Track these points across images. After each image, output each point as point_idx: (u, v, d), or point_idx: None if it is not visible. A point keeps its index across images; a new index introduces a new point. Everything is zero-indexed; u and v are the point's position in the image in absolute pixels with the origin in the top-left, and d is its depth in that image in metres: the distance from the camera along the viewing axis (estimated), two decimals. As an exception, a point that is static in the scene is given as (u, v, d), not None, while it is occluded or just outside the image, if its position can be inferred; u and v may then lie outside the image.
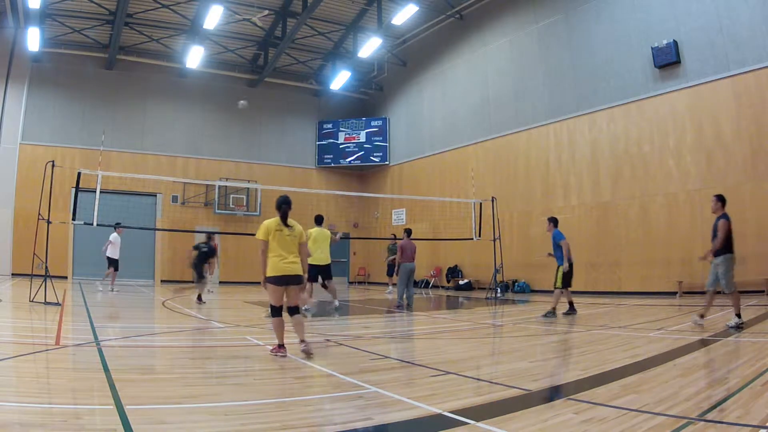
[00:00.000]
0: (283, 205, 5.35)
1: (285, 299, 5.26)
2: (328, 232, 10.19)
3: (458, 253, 18.45)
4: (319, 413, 3.40)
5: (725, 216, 7.35)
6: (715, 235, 7.28)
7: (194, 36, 19.21)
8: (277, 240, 5.18)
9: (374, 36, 19.47)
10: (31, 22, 16.64)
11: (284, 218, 5.30)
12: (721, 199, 7.61)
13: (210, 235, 12.24)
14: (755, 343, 5.69)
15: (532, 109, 16.72)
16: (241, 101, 17.81)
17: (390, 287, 16.47)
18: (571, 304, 9.28)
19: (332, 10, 19.58)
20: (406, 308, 10.78)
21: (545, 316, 8.86)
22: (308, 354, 5.08)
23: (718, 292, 7.27)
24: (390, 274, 16.86)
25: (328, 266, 9.96)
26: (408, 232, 11.94)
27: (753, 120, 11.64)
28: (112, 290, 13.54)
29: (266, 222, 5.30)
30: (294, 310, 5.31)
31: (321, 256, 9.77)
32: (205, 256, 11.69)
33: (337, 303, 10.18)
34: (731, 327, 6.71)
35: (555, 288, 9.20)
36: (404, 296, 10.99)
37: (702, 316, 7.09)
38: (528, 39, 17.06)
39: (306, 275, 5.46)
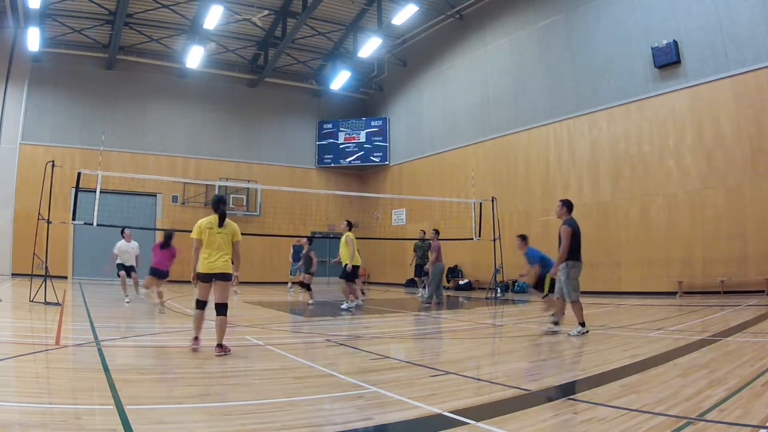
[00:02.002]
0: (220, 205, 5.53)
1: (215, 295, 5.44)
2: (344, 237, 10.79)
3: (458, 253, 18.44)
4: (319, 413, 3.40)
5: (568, 222, 6.86)
6: (560, 242, 6.82)
7: (194, 36, 19.21)
8: (207, 238, 5.37)
9: (374, 36, 19.47)
10: (31, 22, 16.64)
11: (222, 218, 5.46)
12: (566, 204, 7.07)
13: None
14: (755, 343, 5.69)
15: (532, 109, 16.72)
16: None
17: (422, 290, 14.70)
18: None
19: (332, 10, 19.58)
20: (436, 306, 11.44)
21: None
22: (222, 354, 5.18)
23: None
24: (420, 274, 15.14)
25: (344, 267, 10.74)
26: (437, 232, 12.66)
27: (753, 120, 11.64)
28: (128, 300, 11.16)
29: (199, 221, 5.49)
30: (221, 309, 5.38)
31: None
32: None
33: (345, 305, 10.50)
34: (571, 335, 6.51)
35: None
36: (435, 294, 11.87)
37: (556, 324, 6.80)
38: (528, 39, 17.06)
39: (238, 273, 5.68)
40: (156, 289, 9.24)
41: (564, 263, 6.71)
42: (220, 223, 5.43)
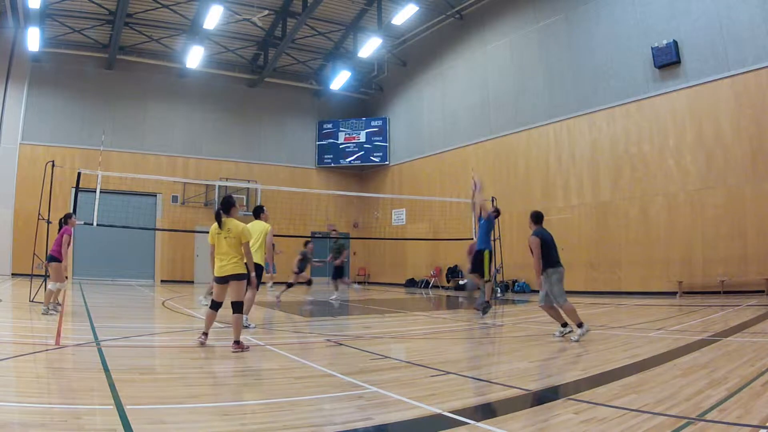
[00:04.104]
0: (218, 206, 5.71)
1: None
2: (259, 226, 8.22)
3: (458, 253, 18.42)
4: (319, 413, 3.40)
5: (535, 232, 6.80)
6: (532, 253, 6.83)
7: (194, 36, 19.21)
8: (216, 243, 5.62)
9: (374, 36, 19.47)
10: (31, 22, 16.64)
11: (218, 220, 5.60)
12: (531, 217, 7.05)
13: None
14: (755, 343, 5.69)
15: (532, 109, 16.73)
16: None
17: (336, 293, 13.00)
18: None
19: (332, 10, 19.58)
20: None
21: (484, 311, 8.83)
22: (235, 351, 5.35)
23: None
24: (338, 276, 13.37)
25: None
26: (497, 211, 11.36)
27: (753, 120, 11.64)
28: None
29: (212, 226, 5.70)
30: (236, 307, 5.55)
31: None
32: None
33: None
34: (573, 340, 6.28)
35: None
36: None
37: (565, 325, 6.65)
38: (528, 39, 17.06)
39: (253, 273, 5.73)
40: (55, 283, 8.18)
41: (544, 272, 6.62)
42: (219, 225, 5.59)
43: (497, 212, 10.16)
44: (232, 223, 5.61)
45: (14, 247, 17.34)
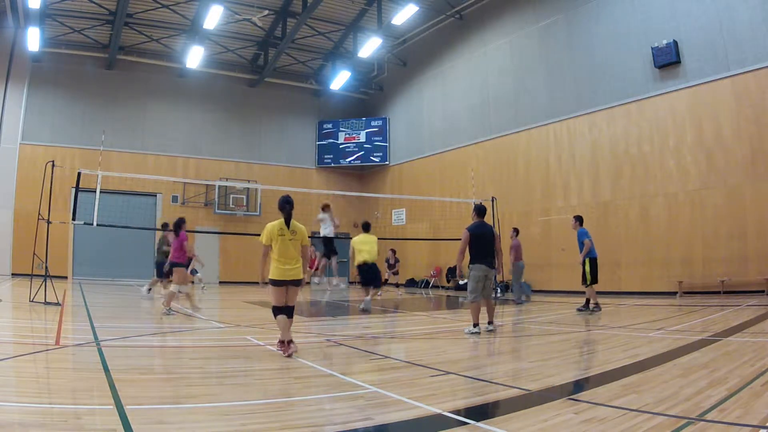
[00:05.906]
0: (286, 206, 5.36)
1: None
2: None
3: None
4: (319, 413, 3.40)
5: (468, 227, 7.25)
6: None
7: (194, 36, 19.21)
8: (279, 245, 5.25)
9: (374, 36, 19.47)
10: (31, 22, 16.63)
11: (288, 220, 5.32)
12: (474, 209, 7.55)
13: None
14: (755, 343, 5.69)
15: (532, 109, 16.72)
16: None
17: (147, 291, 12.36)
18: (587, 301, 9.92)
19: (332, 10, 19.58)
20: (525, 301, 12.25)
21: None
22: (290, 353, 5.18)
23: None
24: (162, 275, 11.42)
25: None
26: (516, 231, 13.04)
27: (753, 120, 11.64)
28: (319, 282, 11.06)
29: (269, 226, 5.34)
30: (290, 312, 5.39)
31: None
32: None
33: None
34: (465, 332, 6.94)
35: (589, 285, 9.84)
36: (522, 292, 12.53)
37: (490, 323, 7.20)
38: (528, 39, 17.06)
39: (305, 277, 5.63)
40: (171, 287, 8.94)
41: (470, 266, 7.13)
42: (287, 224, 5.30)
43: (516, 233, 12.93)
44: (296, 225, 5.35)
45: (14, 247, 17.33)
